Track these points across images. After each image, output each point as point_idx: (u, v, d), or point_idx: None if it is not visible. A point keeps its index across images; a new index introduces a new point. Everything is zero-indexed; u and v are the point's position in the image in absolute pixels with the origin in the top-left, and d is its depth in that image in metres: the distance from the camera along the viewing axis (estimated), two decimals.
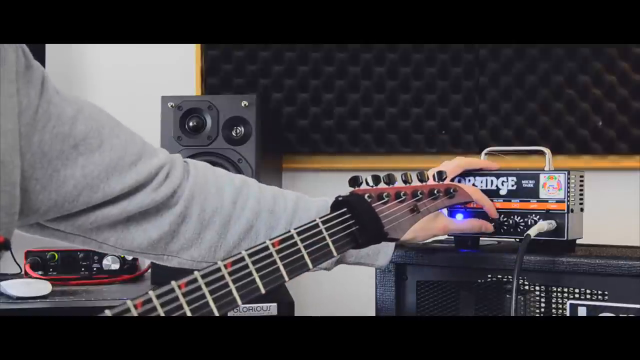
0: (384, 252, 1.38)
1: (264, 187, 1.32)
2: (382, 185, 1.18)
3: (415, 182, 1.25)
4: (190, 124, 1.99)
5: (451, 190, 1.30)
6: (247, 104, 1.97)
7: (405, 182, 1.22)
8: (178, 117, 1.99)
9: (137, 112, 2.36)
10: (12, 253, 2.11)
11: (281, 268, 1.00)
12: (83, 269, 1.99)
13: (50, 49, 2.10)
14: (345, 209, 1.11)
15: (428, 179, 1.27)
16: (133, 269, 2.01)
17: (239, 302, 0.95)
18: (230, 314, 1.70)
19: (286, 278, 1.01)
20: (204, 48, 2.34)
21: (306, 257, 1.04)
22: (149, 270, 2.02)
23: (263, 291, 0.98)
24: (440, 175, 1.30)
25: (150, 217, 1.19)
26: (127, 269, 2.00)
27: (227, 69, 2.34)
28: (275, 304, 1.71)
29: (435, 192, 1.26)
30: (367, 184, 1.17)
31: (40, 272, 1.96)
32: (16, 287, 1.73)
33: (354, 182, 1.15)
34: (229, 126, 1.98)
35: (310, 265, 1.04)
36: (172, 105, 1.99)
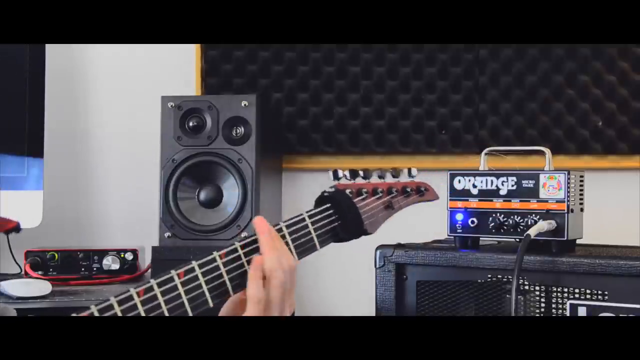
0: None
1: None
2: (359, 179, 1.24)
3: (389, 178, 1.30)
4: (190, 124, 1.99)
5: (422, 189, 1.35)
6: (247, 104, 1.97)
7: (380, 177, 1.28)
8: (178, 117, 1.99)
9: (137, 112, 2.36)
10: (12, 253, 2.11)
11: None
12: (83, 269, 1.99)
13: (50, 49, 2.10)
14: (329, 204, 1.17)
15: (400, 175, 1.32)
16: (133, 268, 2.01)
17: (231, 292, 1.02)
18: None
19: None
20: (204, 48, 2.34)
21: (293, 250, 1.10)
22: (149, 270, 2.02)
23: None
24: (410, 172, 1.34)
25: None
26: (127, 269, 2.00)
27: (227, 69, 2.34)
28: None
29: (408, 189, 1.31)
30: (346, 177, 1.22)
31: (40, 272, 1.96)
32: (16, 287, 1.73)
33: (335, 175, 1.21)
34: (229, 126, 1.98)
35: (296, 258, 1.10)
36: (172, 105, 1.99)
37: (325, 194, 1.19)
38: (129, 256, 2.00)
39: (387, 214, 1.26)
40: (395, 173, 1.30)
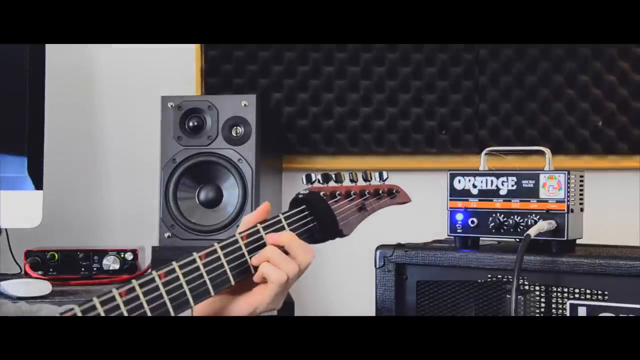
0: None
1: None
2: (332, 183, 1.26)
3: (361, 182, 1.32)
4: (190, 124, 1.99)
5: (394, 191, 1.36)
6: (247, 104, 1.97)
7: (352, 180, 1.30)
8: (178, 117, 1.99)
9: (137, 112, 2.36)
10: (12, 253, 2.11)
11: (249, 260, 1.10)
12: (83, 269, 1.99)
13: (50, 49, 2.10)
14: (304, 206, 1.19)
15: (372, 178, 1.33)
16: (133, 268, 2.01)
17: (212, 292, 1.04)
18: None
19: (252, 270, 1.10)
20: (204, 48, 2.34)
21: None
22: (149, 271, 2.02)
23: (232, 281, 1.07)
24: (381, 175, 1.35)
25: None
26: (127, 269, 2.00)
27: (227, 69, 2.34)
28: None
29: (380, 192, 1.33)
30: (319, 182, 1.24)
31: (40, 272, 1.96)
32: (16, 287, 1.73)
33: (308, 179, 1.23)
34: (229, 126, 1.98)
35: None
36: (172, 105, 1.99)
37: (300, 195, 1.21)
38: (129, 256, 2.00)
39: (361, 216, 1.28)
40: (367, 176, 1.32)
